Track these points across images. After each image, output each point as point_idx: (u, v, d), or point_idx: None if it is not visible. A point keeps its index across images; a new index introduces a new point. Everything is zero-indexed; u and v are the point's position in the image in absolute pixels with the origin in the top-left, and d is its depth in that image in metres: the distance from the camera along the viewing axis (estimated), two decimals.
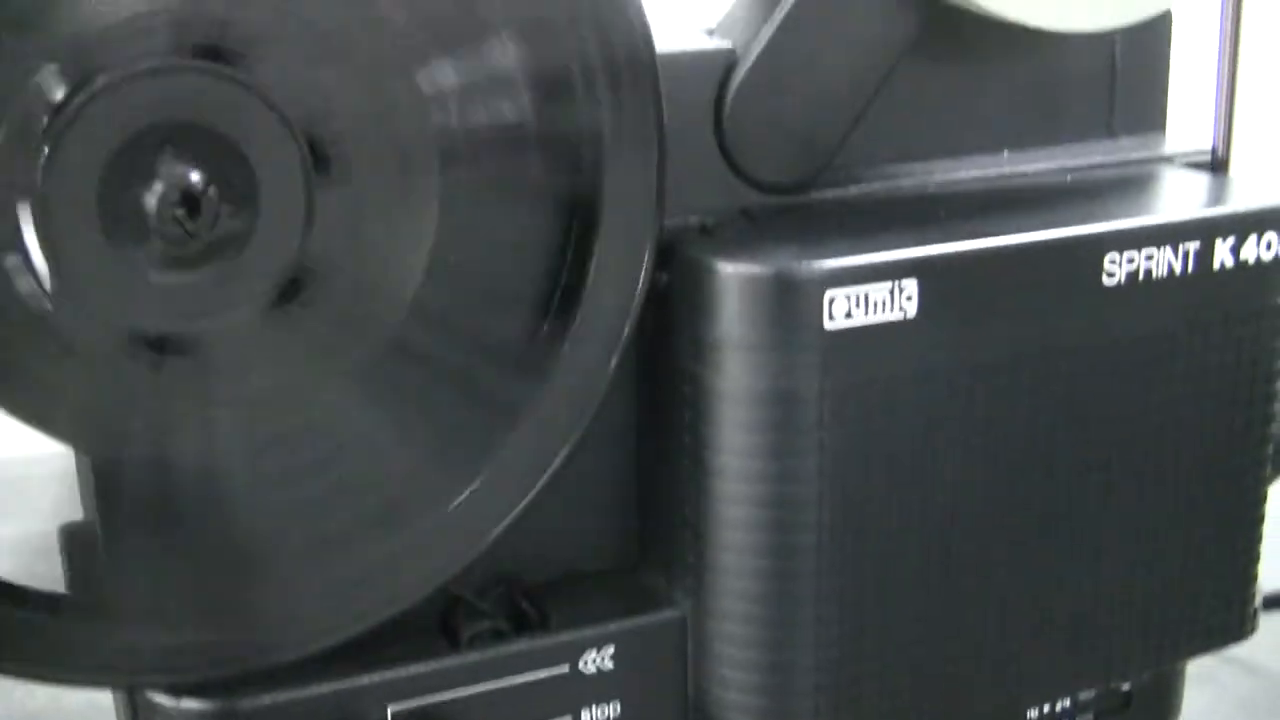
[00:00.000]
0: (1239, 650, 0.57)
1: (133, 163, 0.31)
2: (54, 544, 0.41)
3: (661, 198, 0.37)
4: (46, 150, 0.30)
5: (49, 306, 0.32)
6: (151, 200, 0.31)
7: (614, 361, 0.37)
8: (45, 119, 0.30)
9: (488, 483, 0.37)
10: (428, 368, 0.36)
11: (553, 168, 0.36)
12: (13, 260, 0.31)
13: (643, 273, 0.37)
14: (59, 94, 0.30)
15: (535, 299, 0.37)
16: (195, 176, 0.31)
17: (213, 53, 0.31)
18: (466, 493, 0.36)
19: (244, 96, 0.32)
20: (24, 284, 0.31)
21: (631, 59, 0.35)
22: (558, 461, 0.37)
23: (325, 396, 0.35)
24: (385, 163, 0.33)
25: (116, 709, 0.42)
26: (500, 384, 0.37)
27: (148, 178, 0.31)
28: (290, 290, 0.33)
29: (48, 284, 0.31)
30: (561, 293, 0.37)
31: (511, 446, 0.37)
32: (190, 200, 0.31)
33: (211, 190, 0.32)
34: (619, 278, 0.37)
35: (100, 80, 0.30)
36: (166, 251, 0.32)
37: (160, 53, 0.31)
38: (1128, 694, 0.46)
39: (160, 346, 0.33)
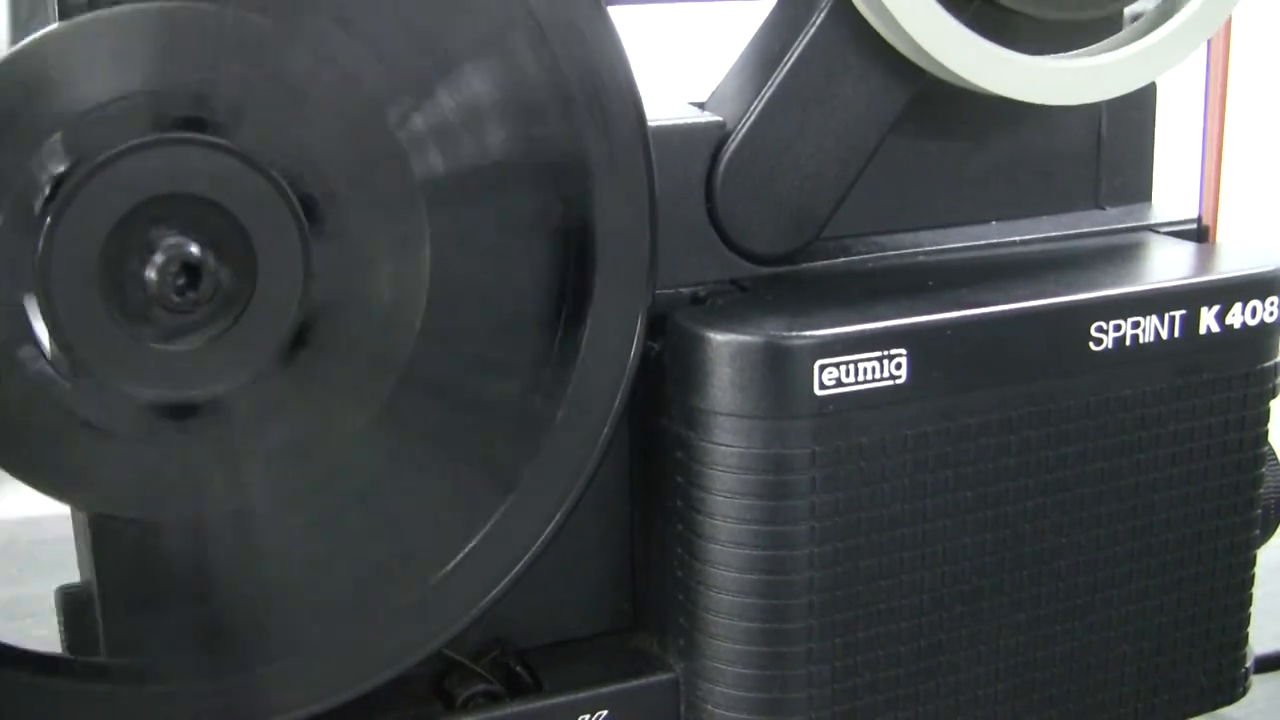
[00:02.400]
0: (1235, 711, 0.58)
1: (129, 238, 0.31)
2: None
3: (653, 268, 0.37)
4: (43, 237, 0.31)
5: (67, 387, 0.32)
6: (152, 273, 0.32)
7: (608, 431, 0.37)
8: (39, 205, 0.31)
9: (483, 548, 0.37)
10: (425, 432, 0.36)
11: (547, 234, 0.37)
12: (27, 351, 0.32)
13: (635, 343, 0.37)
14: (49, 181, 0.31)
15: (529, 367, 0.37)
16: (192, 247, 0.32)
17: (195, 124, 0.32)
18: (461, 557, 0.37)
19: (230, 163, 0.32)
20: (41, 372, 0.32)
21: (625, 134, 0.36)
22: (552, 528, 0.37)
23: (336, 452, 0.35)
24: (371, 209, 0.34)
25: None
26: (496, 451, 0.37)
27: (146, 251, 0.32)
28: (298, 339, 0.34)
29: (63, 368, 0.32)
30: (555, 362, 0.37)
31: (507, 513, 0.37)
32: (190, 270, 0.32)
33: (210, 258, 0.32)
34: (612, 347, 0.37)
35: (88, 163, 0.31)
36: (171, 321, 0.32)
37: (144, 129, 0.31)
38: None
39: (182, 412, 0.33)
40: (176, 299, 0.32)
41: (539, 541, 0.37)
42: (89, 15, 0.31)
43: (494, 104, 0.35)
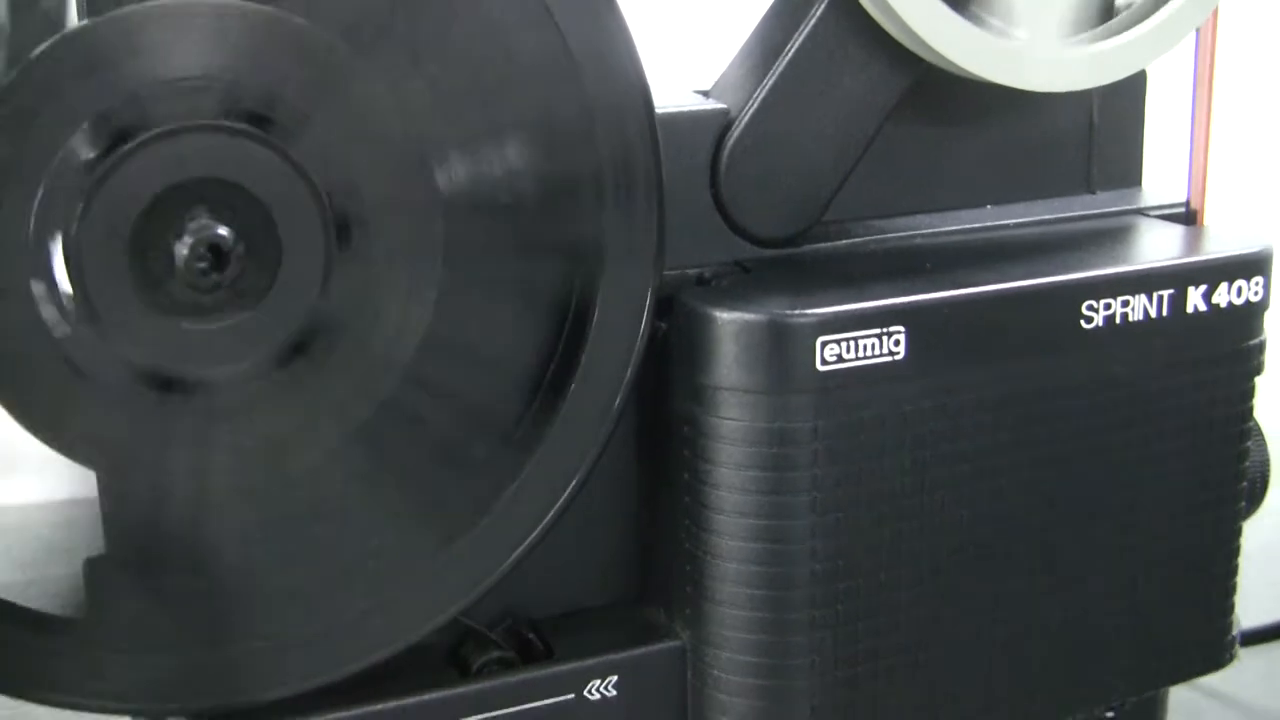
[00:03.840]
0: (1224, 686, 0.59)
1: (170, 210, 0.33)
2: None
3: (661, 251, 0.38)
4: (88, 193, 0.32)
5: (67, 332, 0.33)
6: (182, 249, 0.33)
7: (617, 405, 0.39)
8: (97, 155, 0.32)
9: (495, 521, 0.38)
10: (427, 424, 0.38)
11: (557, 228, 0.38)
12: (39, 287, 0.33)
13: (644, 321, 0.38)
14: (112, 136, 0.32)
15: (540, 352, 0.39)
16: (224, 231, 0.33)
17: (259, 119, 0.33)
18: (478, 526, 0.38)
19: (280, 164, 0.33)
20: (47, 310, 0.33)
21: (635, 127, 0.37)
22: (564, 500, 0.39)
23: (321, 449, 0.36)
24: (398, 245, 0.35)
25: None
26: (510, 428, 0.39)
27: (181, 226, 0.33)
28: (297, 349, 0.35)
29: (69, 313, 0.33)
30: (567, 340, 0.38)
31: (520, 486, 0.38)
32: (217, 253, 0.33)
33: (238, 246, 0.33)
34: (622, 327, 0.38)
35: (146, 132, 0.32)
36: (186, 299, 0.34)
37: (209, 114, 0.33)
38: None
39: (166, 385, 0.34)
40: (198, 277, 0.33)
41: (554, 509, 0.39)
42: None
43: (523, 150, 0.37)
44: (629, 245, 0.38)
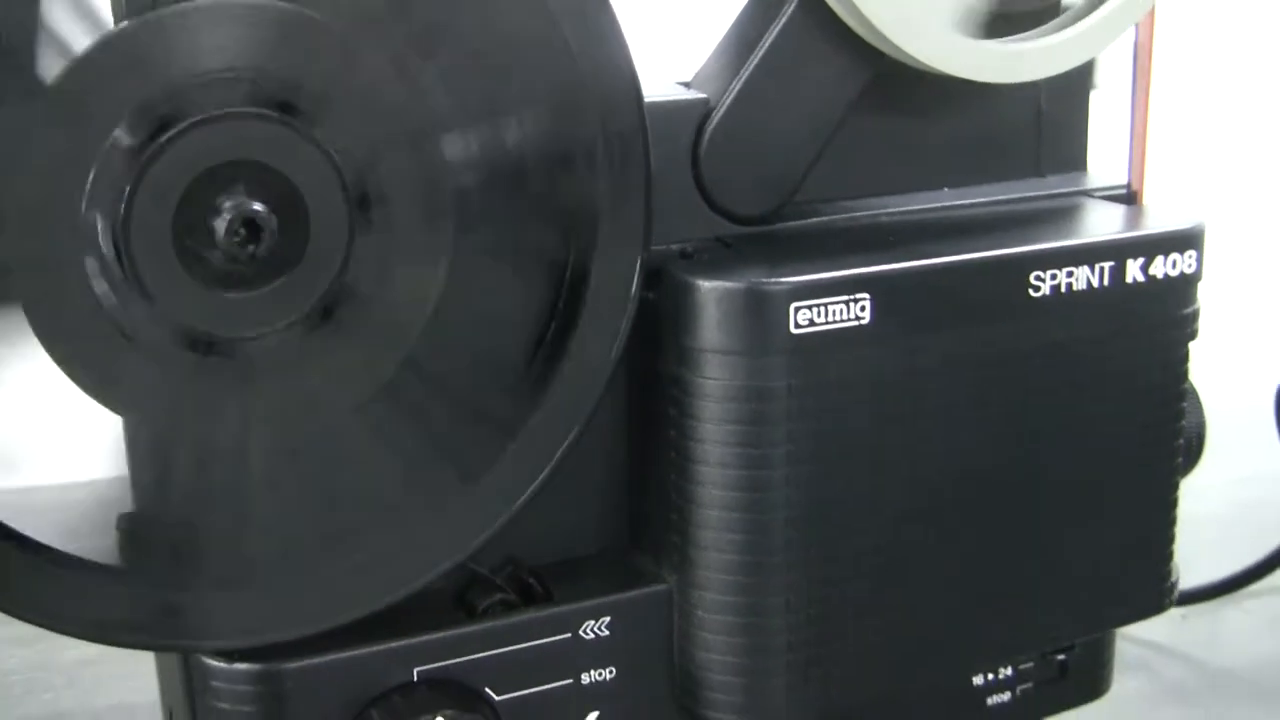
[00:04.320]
0: (1170, 641, 0.63)
1: (209, 190, 0.36)
2: None
3: (649, 228, 0.41)
4: (136, 174, 0.35)
5: (115, 301, 0.36)
6: (220, 224, 0.36)
7: (611, 365, 0.41)
8: (134, 148, 0.35)
9: (503, 470, 0.41)
10: (442, 382, 0.41)
11: (555, 204, 0.41)
12: (92, 263, 0.36)
13: (634, 290, 0.41)
14: (149, 128, 0.35)
15: (536, 322, 0.41)
16: (258, 207, 0.36)
17: (284, 106, 0.36)
18: (473, 487, 0.41)
19: (305, 146, 0.36)
20: (99, 285, 0.36)
21: (626, 116, 0.40)
22: (563, 451, 0.41)
23: (348, 405, 0.39)
24: (413, 216, 0.38)
25: (161, 672, 0.46)
26: (511, 389, 0.42)
27: (218, 206, 0.36)
28: (324, 315, 0.38)
29: (119, 284, 0.36)
30: (565, 306, 0.41)
31: (523, 440, 0.41)
32: (252, 226, 0.36)
33: (271, 221, 0.36)
34: (614, 295, 0.41)
35: (187, 120, 0.35)
36: (225, 270, 0.36)
37: (239, 102, 0.36)
38: (1064, 664, 0.51)
39: (208, 347, 0.37)
40: (235, 249, 0.36)
41: (549, 466, 0.41)
42: (218, 1, 0.36)
43: (526, 133, 0.40)
44: (620, 221, 0.40)
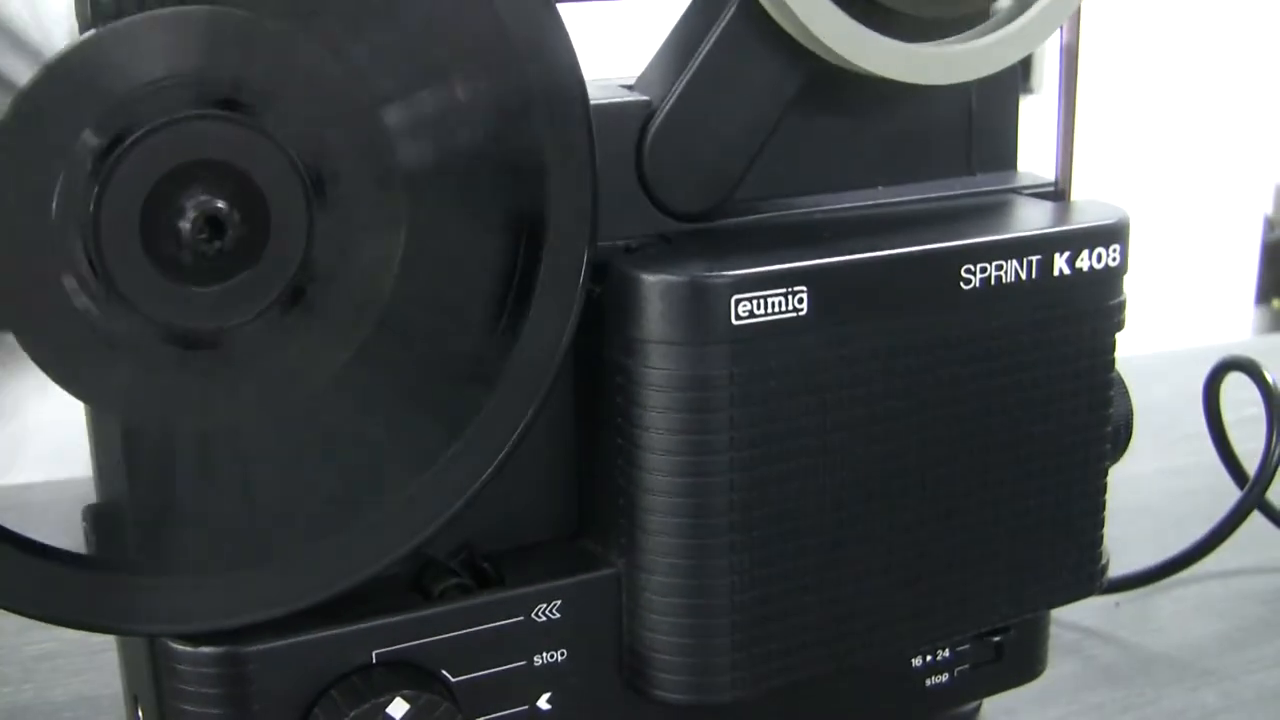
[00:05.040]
0: (1103, 626, 0.65)
1: (168, 194, 0.37)
2: None
3: (594, 224, 0.42)
4: (98, 189, 0.36)
5: (98, 313, 0.37)
6: (184, 224, 0.37)
7: (559, 356, 0.43)
8: (93, 164, 0.36)
9: (455, 459, 0.42)
10: (396, 370, 0.42)
11: (505, 203, 0.42)
12: (70, 282, 0.37)
13: (581, 283, 0.43)
14: (104, 143, 0.36)
15: (488, 311, 0.43)
16: (219, 204, 0.38)
17: (230, 104, 0.38)
18: (436, 467, 0.42)
19: (256, 139, 0.38)
20: (79, 300, 0.37)
21: (572, 117, 0.42)
22: (513, 442, 0.43)
23: (321, 383, 0.41)
24: (365, 189, 0.39)
25: (124, 660, 0.47)
26: (459, 381, 0.43)
27: (181, 206, 0.37)
28: (294, 297, 0.39)
29: (98, 297, 0.37)
30: (512, 304, 0.42)
31: (470, 434, 0.42)
32: (215, 224, 0.38)
33: (233, 215, 0.38)
34: (562, 288, 0.42)
35: (139, 130, 0.37)
36: (195, 265, 0.38)
37: (186, 106, 0.37)
38: (999, 646, 0.53)
39: (188, 342, 0.39)
40: (201, 245, 0.38)
41: (502, 453, 0.43)
42: (149, 14, 0.37)
43: (468, 105, 0.41)
44: (567, 218, 0.42)
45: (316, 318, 0.40)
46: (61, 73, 0.36)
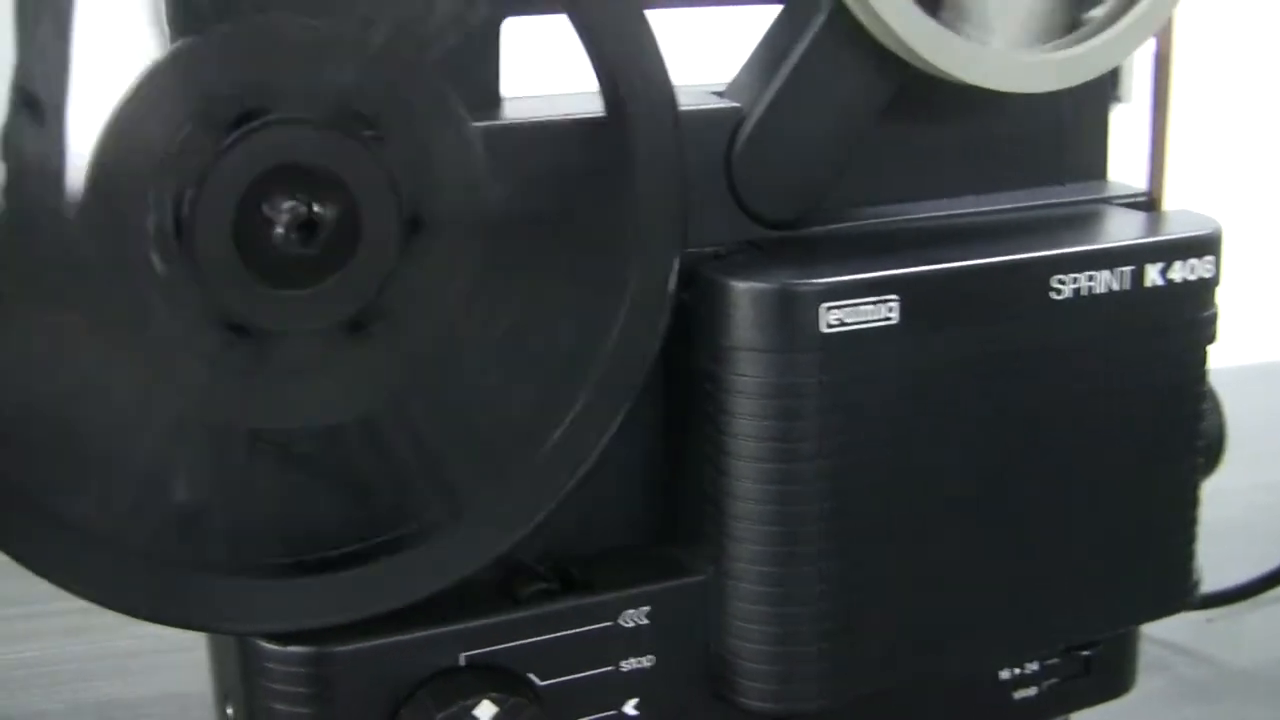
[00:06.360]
0: (1193, 643, 0.64)
1: (271, 188, 0.38)
2: None
3: (683, 232, 0.42)
4: (210, 161, 0.37)
5: (167, 272, 0.38)
6: (281, 219, 0.38)
7: (646, 364, 0.43)
8: (199, 162, 0.37)
9: (546, 462, 0.42)
10: (486, 368, 0.42)
11: (595, 217, 0.43)
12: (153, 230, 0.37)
13: (669, 292, 0.43)
14: (211, 145, 0.37)
15: (583, 318, 0.43)
16: (318, 209, 0.38)
17: (362, 122, 0.38)
18: (527, 469, 0.42)
19: (372, 164, 0.38)
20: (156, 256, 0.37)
21: (663, 125, 0.42)
22: (598, 450, 0.43)
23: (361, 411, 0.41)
24: (456, 238, 0.40)
25: (214, 658, 0.47)
26: (545, 386, 0.43)
27: (281, 203, 0.38)
28: (354, 326, 0.40)
29: (174, 257, 0.37)
30: (605, 307, 0.42)
31: (565, 432, 0.42)
32: (308, 227, 0.38)
33: (328, 226, 0.38)
34: (650, 297, 0.42)
35: (270, 117, 0.37)
36: (276, 264, 0.38)
37: (324, 110, 0.38)
38: (1088, 660, 0.52)
39: (241, 331, 0.39)
40: (291, 245, 0.38)
41: (590, 459, 0.43)
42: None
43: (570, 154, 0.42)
44: (656, 224, 0.42)
45: (371, 351, 0.40)
46: (221, 44, 0.37)
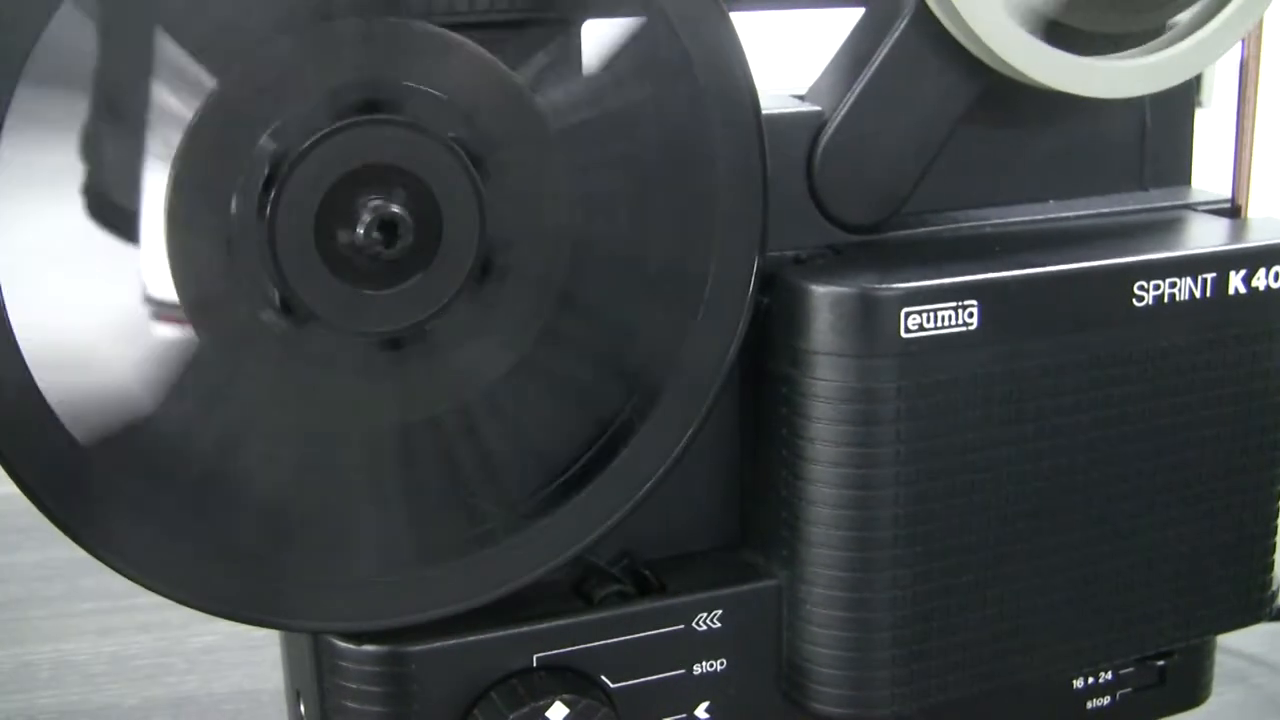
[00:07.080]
0: (1271, 654, 0.64)
1: (337, 206, 0.37)
2: None
3: (764, 236, 0.42)
4: (269, 213, 0.37)
5: (287, 329, 0.38)
6: (361, 224, 0.37)
7: (725, 369, 0.42)
8: (260, 190, 0.37)
9: (625, 463, 0.42)
10: (569, 371, 0.42)
11: (675, 210, 0.42)
12: (268, 315, 0.38)
13: (749, 295, 0.42)
14: (268, 167, 0.37)
15: (661, 321, 0.43)
16: (393, 207, 0.37)
17: (372, 106, 0.38)
18: (605, 472, 0.42)
19: (470, 194, 0.38)
20: (280, 327, 0.38)
21: (744, 125, 0.41)
22: (675, 453, 0.43)
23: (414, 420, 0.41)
24: (525, 153, 0.39)
25: (287, 655, 0.47)
26: (627, 388, 0.43)
27: (358, 209, 0.37)
28: (483, 271, 0.39)
29: (295, 319, 0.38)
30: (685, 312, 0.42)
31: (643, 434, 0.42)
32: (390, 229, 0.38)
33: (405, 214, 0.38)
34: (730, 300, 0.42)
35: (298, 148, 0.37)
36: (371, 268, 0.38)
37: (447, 127, 0.38)
38: (1163, 670, 0.52)
39: (395, 343, 0.39)
40: (375, 247, 0.38)
41: (667, 461, 0.43)
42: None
43: (639, 111, 0.41)
44: (737, 226, 0.42)
45: (508, 286, 0.40)
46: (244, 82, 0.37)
